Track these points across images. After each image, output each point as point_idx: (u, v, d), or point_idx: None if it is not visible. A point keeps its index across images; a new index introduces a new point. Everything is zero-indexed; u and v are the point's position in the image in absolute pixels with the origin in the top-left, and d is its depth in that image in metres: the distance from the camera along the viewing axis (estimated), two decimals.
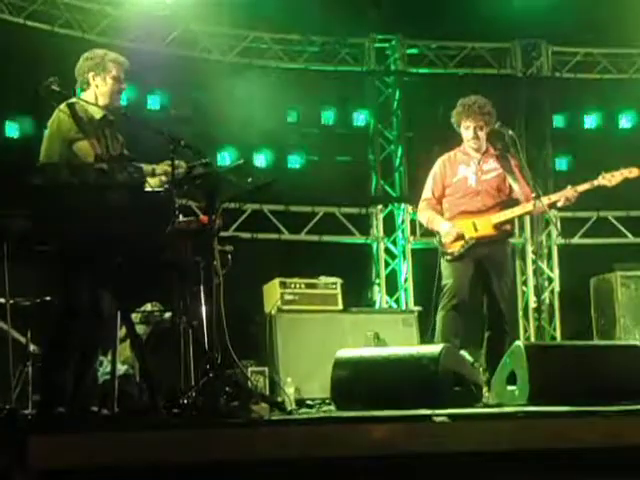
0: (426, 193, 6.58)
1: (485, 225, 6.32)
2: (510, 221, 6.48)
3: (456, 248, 6.31)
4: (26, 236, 4.85)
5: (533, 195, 6.22)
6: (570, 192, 6.23)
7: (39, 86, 5.06)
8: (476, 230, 6.30)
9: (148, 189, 5.20)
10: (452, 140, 6.69)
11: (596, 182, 6.27)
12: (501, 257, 6.40)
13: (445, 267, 6.38)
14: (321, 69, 10.33)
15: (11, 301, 4.87)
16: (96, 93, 5.22)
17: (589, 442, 3.59)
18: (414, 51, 10.56)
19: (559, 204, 6.31)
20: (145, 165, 5.30)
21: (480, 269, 6.33)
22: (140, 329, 6.33)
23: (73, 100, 5.17)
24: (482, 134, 6.38)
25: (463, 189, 6.42)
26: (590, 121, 10.62)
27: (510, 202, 6.41)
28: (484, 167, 6.43)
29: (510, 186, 6.38)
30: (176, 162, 5.15)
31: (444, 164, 6.54)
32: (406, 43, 10.51)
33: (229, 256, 5.68)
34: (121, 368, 6.07)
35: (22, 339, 5.68)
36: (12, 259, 4.91)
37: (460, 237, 6.31)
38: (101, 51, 5.35)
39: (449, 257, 6.34)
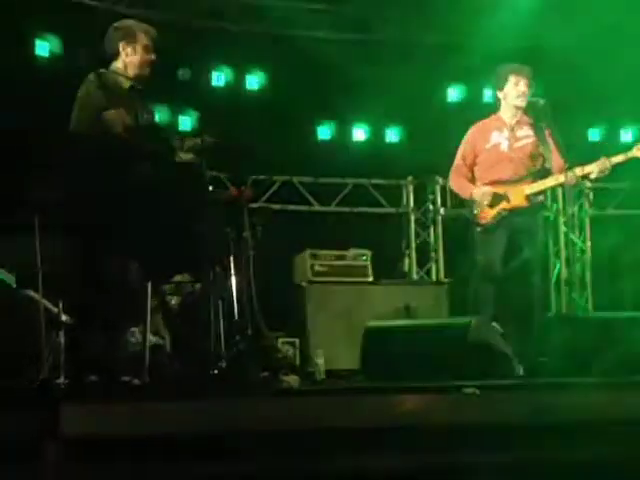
0: (457, 160, 6.54)
1: (518, 196, 6.26)
2: (542, 192, 6.44)
3: (488, 219, 6.28)
4: (57, 208, 4.89)
5: (566, 166, 6.16)
6: (604, 163, 6.15)
7: None
8: (508, 201, 6.26)
9: (178, 160, 5.23)
10: (481, 113, 6.65)
11: (630, 154, 6.17)
12: (533, 228, 6.35)
13: (477, 239, 6.34)
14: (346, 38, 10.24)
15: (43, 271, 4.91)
16: (126, 63, 5.22)
17: (621, 413, 3.57)
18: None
19: (592, 176, 6.23)
20: (177, 138, 5.31)
21: (512, 240, 6.28)
22: (171, 300, 6.37)
23: (101, 70, 5.18)
24: (528, 95, 6.31)
25: (496, 156, 6.36)
26: None
27: (543, 172, 6.35)
28: (518, 134, 6.37)
29: (543, 155, 6.32)
30: (205, 136, 5.15)
31: (476, 131, 6.49)
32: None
33: (259, 228, 5.69)
34: (152, 339, 6.10)
35: (54, 309, 5.72)
36: (43, 230, 4.96)
37: (497, 200, 6.25)
38: (130, 21, 5.36)
39: (480, 228, 6.30)
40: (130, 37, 5.21)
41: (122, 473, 3.15)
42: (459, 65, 9.65)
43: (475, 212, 6.31)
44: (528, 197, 6.28)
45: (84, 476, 3.09)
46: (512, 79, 6.34)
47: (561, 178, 6.20)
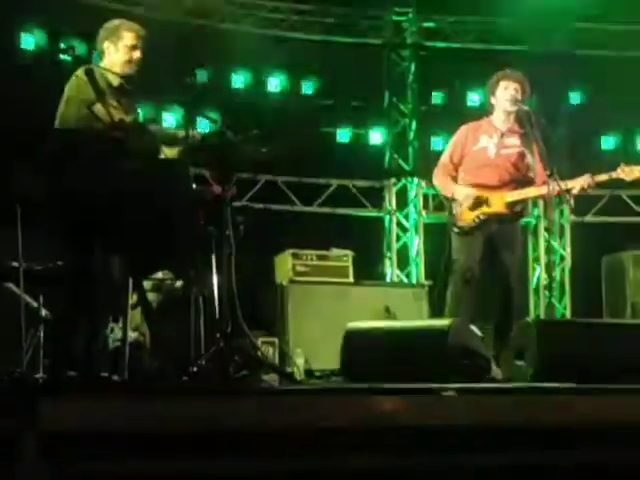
0: (444, 158, 6.55)
1: (498, 202, 6.29)
2: (523, 201, 6.46)
3: (467, 221, 6.31)
4: (39, 201, 4.88)
5: (548, 177, 6.16)
6: (587, 181, 6.19)
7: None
8: (489, 206, 6.29)
9: (163, 157, 5.24)
10: (467, 116, 6.67)
11: (614, 174, 6.22)
12: (511, 235, 6.39)
13: (455, 241, 6.37)
14: (339, 41, 10.30)
15: (24, 265, 4.90)
16: (109, 61, 5.26)
17: (595, 419, 3.60)
18: (430, 25, 10.50)
19: (574, 191, 6.26)
20: (168, 130, 5.33)
21: (490, 245, 6.32)
22: (151, 297, 6.36)
23: (91, 66, 5.20)
24: (519, 99, 6.32)
25: (481, 159, 6.39)
26: None
27: (526, 181, 6.37)
28: (506, 141, 6.40)
29: (528, 166, 6.34)
30: (191, 131, 5.17)
31: (467, 131, 6.51)
32: (423, 17, 10.46)
33: (241, 226, 5.69)
34: (132, 335, 6.09)
35: (34, 303, 5.70)
36: (25, 223, 4.94)
37: (477, 204, 6.28)
38: (117, 21, 5.38)
39: (459, 230, 6.33)
40: (114, 36, 5.27)
41: (101, 469, 3.15)
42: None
43: (454, 212, 6.34)
44: (508, 204, 6.30)
45: (62, 472, 3.09)
46: (502, 84, 6.39)
47: (543, 190, 6.22)
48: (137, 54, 5.29)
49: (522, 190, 6.32)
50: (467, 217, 6.32)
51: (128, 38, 5.27)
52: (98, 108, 5.02)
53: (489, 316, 6.38)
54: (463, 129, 6.55)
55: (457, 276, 6.28)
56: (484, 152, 6.39)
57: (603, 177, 6.23)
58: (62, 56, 6.64)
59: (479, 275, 6.28)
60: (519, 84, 6.36)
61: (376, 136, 10.46)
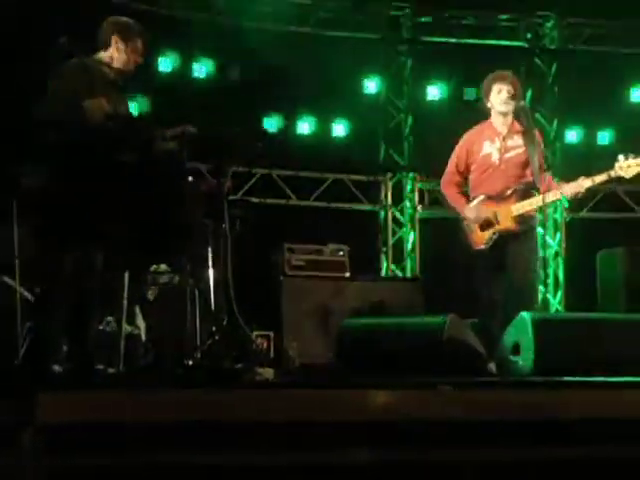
0: (449, 167, 6.50)
1: (506, 217, 6.21)
2: (531, 212, 6.36)
3: (481, 244, 6.26)
4: (34, 193, 4.88)
5: (547, 180, 6.11)
6: (585, 183, 6.11)
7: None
8: (498, 223, 6.24)
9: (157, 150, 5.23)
10: (463, 112, 6.67)
11: (613, 173, 6.11)
12: (524, 254, 6.30)
13: (477, 266, 6.29)
14: (333, 35, 10.28)
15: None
16: (114, 57, 5.22)
17: (591, 413, 3.61)
18: (428, 19, 10.50)
19: (568, 197, 6.20)
20: (158, 128, 5.31)
21: (502, 263, 6.24)
22: (148, 290, 6.37)
23: (84, 57, 5.16)
24: (513, 101, 6.30)
25: (486, 166, 6.33)
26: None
27: (532, 184, 6.29)
28: (508, 143, 6.33)
29: (532, 167, 6.28)
30: (186, 126, 5.16)
31: (470, 138, 6.47)
32: (420, 11, 10.45)
33: (237, 220, 5.70)
34: (128, 328, 6.10)
35: (30, 296, 5.71)
36: (20, 216, 4.95)
37: (486, 224, 6.25)
38: (130, 20, 5.35)
39: (475, 252, 6.28)
40: (126, 35, 5.22)
41: (96, 461, 3.16)
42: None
43: (466, 230, 6.30)
44: (516, 219, 6.25)
45: (60, 464, 3.10)
46: (495, 88, 6.36)
47: (548, 198, 6.13)
48: (140, 59, 5.29)
49: (526, 201, 6.23)
50: (480, 239, 6.27)
51: (139, 43, 5.26)
52: (93, 102, 4.99)
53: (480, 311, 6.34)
54: (467, 136, 6.50)
55: (485, 309, 6.21)
56: (488, 159, 6.34)
57: (602, 177, 6.13)
58: None
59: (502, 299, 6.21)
60: (511, 85, 6.33)
61: (371, 131, 10.45)
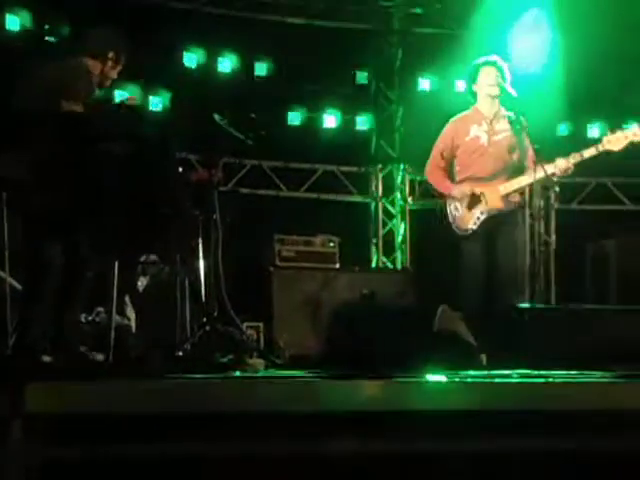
0: (434, 152, 6.52)
1: (493, 197, 6.24)
2: (517, 191, 6.38)
3: (468, 225, 6.27)
4: (23, 185, 4.86)
5: (537, 162, 6.12)
6: (575, 158, 6.13)
7: None
8: (485, 202, 6.25)
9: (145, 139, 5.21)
10: (452, 104, 6.67)
11: (601, 147, 6.15)
12: (512, 234, 6.33)
13: (462, 248, 6.28)
14: (324, 25, 10.26)
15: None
16: (103, 72, 5.22)
17: (582, 405, 3.62)
18: (419, 11, 10.47)
19: (558, 173, 6.18)
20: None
21: (490, 244, 6.27)
22: (138, 280, 6.36)
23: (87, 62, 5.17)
24: (501, 83, 6.31)
25: (475, 149, 6.34)
26: None
27: (519, 167, 6.33)
28: (496, 127, 6.37)
29: (519, 149, 6.31)
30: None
31: (455, 124, 6.48)
32: (411, 2, 10.44)
33: (227, 213, 5.69)
34: (117, 319, 6.08)
35: (19, 287, 5.69)
36: (9, 207, 4.93)
37: (474, 202, 6.26)
38: (119, 37, 5.35)
39: (461, 234, 6.29)
40: (117, 52, 5.23)
41: (86, 451, 3.15)
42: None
43: (454, 213, 6.30)
44: (503, 198, 6.27)
45: (49, 454, 3.09)
46: (483, 71, 6.37)
47: (538, 175, 6.14)
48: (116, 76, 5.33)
49: (514, 180, 6.27)
50: (467, 219, 6.28)
51: (122, 59, 5.28)
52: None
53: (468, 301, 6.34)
54: (451, 123, 6.52)
55: (470, 286, 6.23)
56: (476, 141, 6.37)
57: (590, 151, 6.12)
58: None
59: (489, 279, 6.22)
60: (499, 69, 6.35)
61: (363, 122, 10.43)
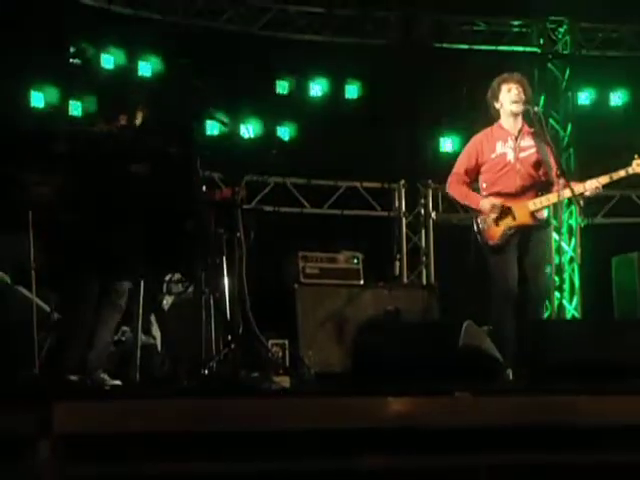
0: (457, 168, 6.48)
1: (523, 212, 6.21)
2: (545, 207, 6.35)
3: (496, 239, 6.23)
4: (50, 205, 4.89)
5: (558, 176, 6.11)
6: (603, 179, 6.13)
7: None
8: (514, 218, 6.22)
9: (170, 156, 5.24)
10: (476, 121, 6.67)
11: (631, 170, 6.14)
12: (540, 249, 6.32)
13: (490, 261, 6.27)
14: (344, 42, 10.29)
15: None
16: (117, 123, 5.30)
17: (605, 419, 3.60)
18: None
19: (587, 193, 6.20)
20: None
21: (519, 259, 6.24)
22: (163, 299, 6.38)
23: None
24: (523, 100, 6.30)
25: (501, 165, 6.31)
26: (616, 99, 10.57)
27: (546, 184, 6.30)
28: (522, 144, 6.34)
29: (546, 167, 6.29)
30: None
31: (480, 140, 6.44)
32: (430, 18, 10.46)
33: (252, 230, 5.71)
34: (143, 338, 6.11)
35: (47, 307, 5.72)
36: (36, 227, 4.96)
37: (503, 215, 6.23)
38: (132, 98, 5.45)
39: (491, 249, 6.26)
40: (129, 117, 5.28)
41: (115, 471, 3.16)
42: None
43: (481, 227, 6.27)
44: (533, 214, 6.25)
45: (77, 474, 3.10)
46: (504, 87, 6.36)
47: (565, 194, 6.13)
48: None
49: (543, 197, 6.25)
50: (495, 233, 6.25)
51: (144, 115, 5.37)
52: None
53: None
54: (476, 139, 6.48)
55: (499, 296, 6.21)
56: (503, 158, 6.33)
57: (619, 174, 6.15)
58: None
59: (518, 294, 6.19)
60: (520, 85, 6.34)
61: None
